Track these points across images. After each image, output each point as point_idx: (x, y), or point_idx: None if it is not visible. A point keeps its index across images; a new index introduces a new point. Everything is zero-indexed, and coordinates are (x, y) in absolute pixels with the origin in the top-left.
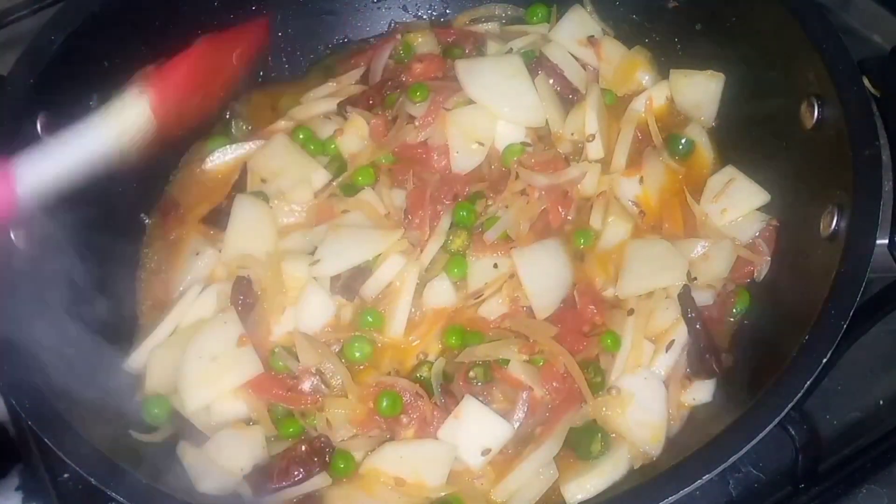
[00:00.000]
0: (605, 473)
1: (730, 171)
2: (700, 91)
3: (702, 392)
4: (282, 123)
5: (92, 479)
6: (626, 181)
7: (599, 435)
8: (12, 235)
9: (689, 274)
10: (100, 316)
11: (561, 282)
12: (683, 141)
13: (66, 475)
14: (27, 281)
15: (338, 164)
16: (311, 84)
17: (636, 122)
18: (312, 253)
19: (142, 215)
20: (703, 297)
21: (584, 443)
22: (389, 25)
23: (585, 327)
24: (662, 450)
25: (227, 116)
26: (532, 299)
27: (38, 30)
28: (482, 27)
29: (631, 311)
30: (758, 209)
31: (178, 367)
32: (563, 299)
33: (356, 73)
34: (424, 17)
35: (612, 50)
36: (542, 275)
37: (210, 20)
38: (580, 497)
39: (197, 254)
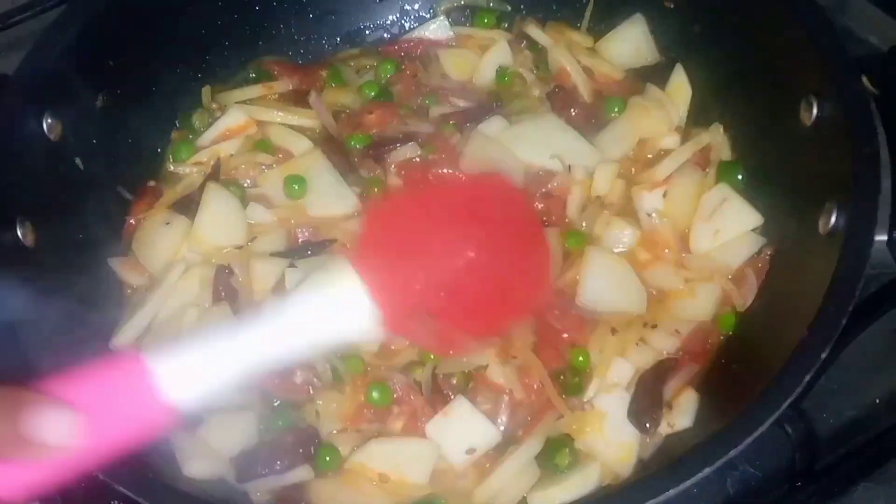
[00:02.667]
0: (573, 487)
1: (723, 190)
2: (630, 40)
3: (682, 418)
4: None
5: (99, 474)
6: (649, 194)
7: (567, 449)
8: (19, 232)
9: (646, 323)
10: (88, 299)
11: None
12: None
13: None
14: (29, 276)
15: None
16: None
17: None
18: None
19: (124, 192)
20: (665, 345)
21: (551, 455)
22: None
23: (566, 335)
24: (633, 471)
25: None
26: None
27: (44, 29)
28: (432, 33)
29: (614, 331)
30: (752, 230)
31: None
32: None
33: (286, 84)
34: (426, 14)
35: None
36: None
37: (216, 18)
38: None
39: (167, 223)
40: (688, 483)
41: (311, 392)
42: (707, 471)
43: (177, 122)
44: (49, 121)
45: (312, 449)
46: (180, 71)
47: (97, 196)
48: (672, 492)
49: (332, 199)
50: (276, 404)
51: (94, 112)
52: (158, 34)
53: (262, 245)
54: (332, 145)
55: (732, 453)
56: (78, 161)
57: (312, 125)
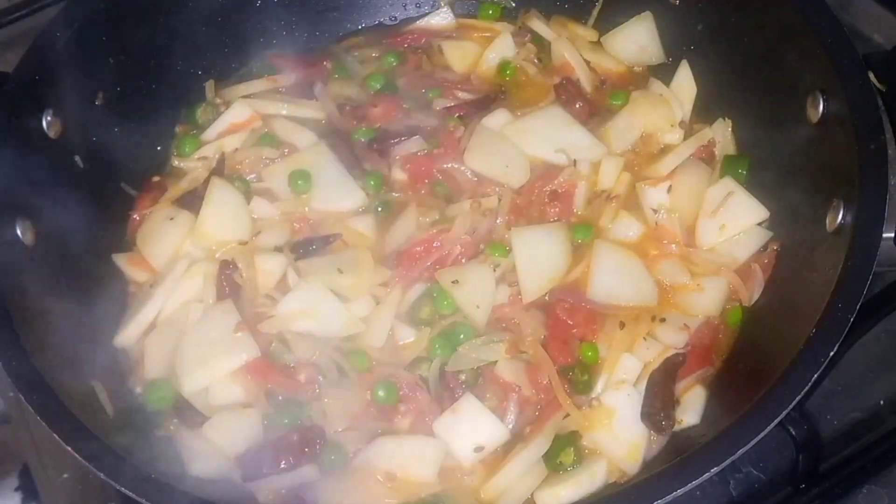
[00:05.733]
0: (580, 484)
1: (728, 184)
2: (636, 37)
3: (689, 414)
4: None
5: (101, 474)
6: (653, 189)
7: (572, 448)
8: (18, 231)
9: (654, 317)
10: (90, 297)
11: (554, 268)
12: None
13: (65, 475)
14: (30, 274)
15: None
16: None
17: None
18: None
19: (127, 188)
20: (673, 339)
21: (555, 453)
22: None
23: (576, 331)
24: (639, 470)
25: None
26: (521, 280)
27: (43, 27)
28: (435, 24)
29: (622, 325)
30: (758, 224)
31: (175, 351)
32: (552, 288)
33: (290, 77)
34: (429, 9)
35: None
36: (537, 258)
37: (216, 15)
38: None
39: (171, 218)
40: (695, 482)
41: (317, 390)
42: (715, 470)
43: (181, 117)
44: (49, 118)
45: (318, 447)
46: (182, 67)
47: (99, 193)
48: (679, 491)
49: (337, 193)
50: (280, 401)
51: (95, 109)
52: (158, 31)
53: (267, 240)
54: (337, 138)
55: (741, 452)
56: (77, 159)
57: (317, 118)
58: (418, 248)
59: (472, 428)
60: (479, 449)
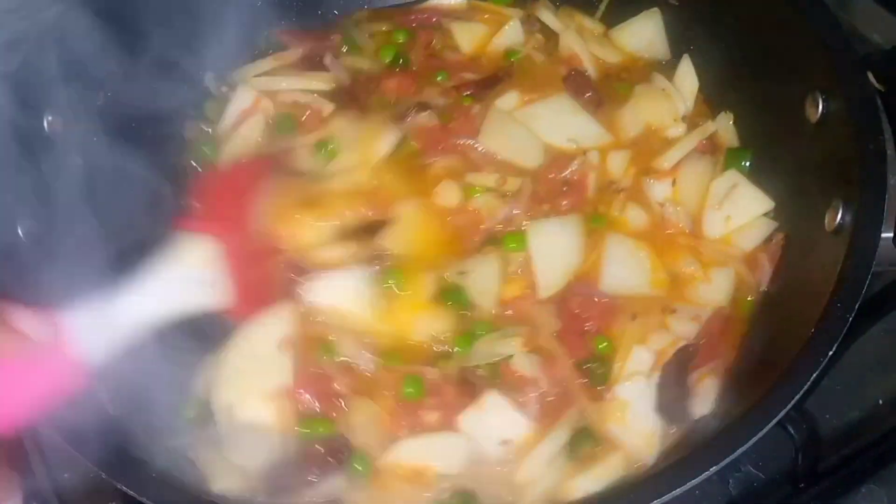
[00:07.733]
0: (597, 476)
1: (733, 176)
2: (643, 32)
3: (703, 405)
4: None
5: (101, 473)
6: (658, 183)
7: (588, 440)
8: (20, 232)
9: (665, 308)
10: None
11: (570, 262)
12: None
13: (66, 475)
14: (31, 275)
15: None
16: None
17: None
18: None
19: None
20: (685, 331)
21: (572, 445)
22: None
23: (589, 324)
24: (657, 459)
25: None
26: (538, 275)
27: (45, 28)
28: (446, 3)
29: (635, 317)
30: (763, 215)
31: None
32: (569, 282)
33: (298, 52)
34: None
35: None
36: (554, 251)
37: (218, 12)
38: (570, 496)
39: None
40: (695, 481)
41: (344, 406)
42: (714, 469)
43: (189, 117)
44: (49, 119)
45: (344, 457)
46: (187, 64)
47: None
48: (678, 490)
49: (367, 141)
50: (308, 415)
51: (96, 110)
52: (160, 29)
53: None
54: (351, 101)
55: (741, 450)
56: (79, 160)
57: (328, 88)
58: None
59: (496, 422)
60: (504, 442)
